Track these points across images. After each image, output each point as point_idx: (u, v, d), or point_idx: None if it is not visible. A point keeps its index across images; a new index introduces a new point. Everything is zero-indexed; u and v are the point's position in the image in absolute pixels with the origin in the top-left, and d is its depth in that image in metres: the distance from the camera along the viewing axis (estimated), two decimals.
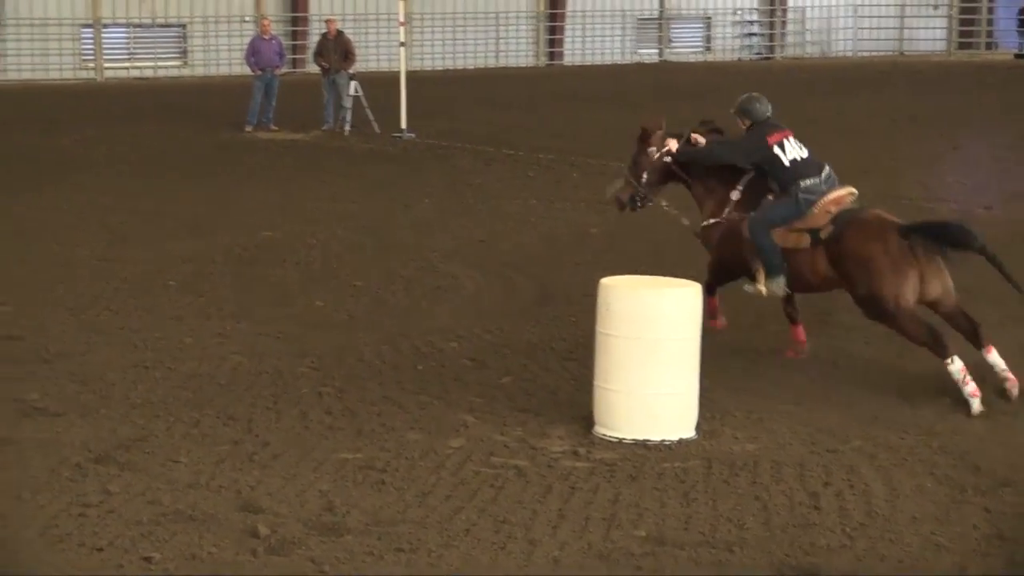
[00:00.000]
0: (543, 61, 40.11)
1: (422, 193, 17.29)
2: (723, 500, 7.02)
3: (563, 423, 8.18)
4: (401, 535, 6.50)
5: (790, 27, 44.52)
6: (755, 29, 43.71)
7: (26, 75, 35.66)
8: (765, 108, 9.51)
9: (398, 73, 23.53)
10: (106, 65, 36.71)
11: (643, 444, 7.79)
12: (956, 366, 8.59)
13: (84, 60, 36.95)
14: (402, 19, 24.26)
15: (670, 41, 42.22)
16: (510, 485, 7.18)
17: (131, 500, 6.86)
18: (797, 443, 7.92)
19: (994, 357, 8.81)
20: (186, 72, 37.41)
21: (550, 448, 7.76)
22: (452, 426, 8.14)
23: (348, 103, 23.62)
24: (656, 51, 41.73)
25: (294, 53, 34.81)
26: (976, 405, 8.49)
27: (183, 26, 38.18)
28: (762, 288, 9.43)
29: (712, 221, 9.62)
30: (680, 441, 7.87)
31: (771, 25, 43.97)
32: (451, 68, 37.29)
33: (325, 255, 13.41)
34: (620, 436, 7.88)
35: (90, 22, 36.94)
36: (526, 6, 40.19)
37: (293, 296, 11.67)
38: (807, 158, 9.33)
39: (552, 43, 40.31)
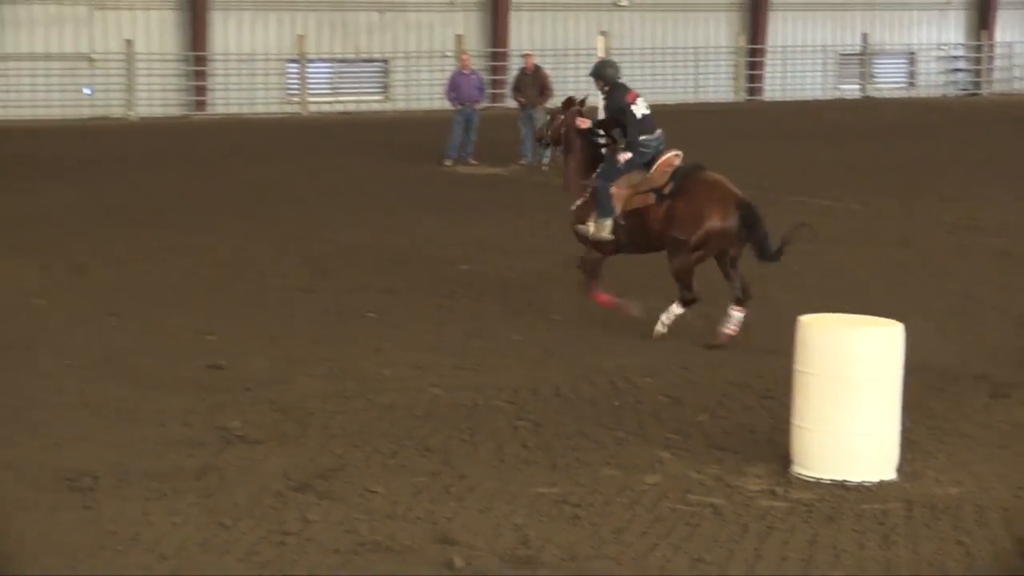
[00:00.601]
0: (742, 96, 39.84)
1: None
2: (924, 544, 6.86)
3: (760, 462, 8.09)
4: (596, 571, 6.50)
5: (997, 63, 43.43)
6: (961, 64, 42.75)
7: (233, 109, 36.76)
8: (616, 72, 11.83)
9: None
10: (310, 100, 37.65)
11: (842, 485, 7.67)
12: (679, 310, 11.19)
13: (289, 95, 37.96)
14: (601, 54, 24.34)
15: (872, 77, 41.54)
16: (706, 523, 7.13)
17: (330, 529, 6.99)
18: (1002, 487, 7.70)
19: (737, 315, 11.03)
20: (387, 107, 38.15)
21: (747, 487, 7.69)
22: (648, 462, 8.11)
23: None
24: (858, 87, 41.11)
25: (494, 88, 35.20)
26: (659, 329, 11.16)
27: (385, 61, 38.96)
28: (591, 227, 11.52)
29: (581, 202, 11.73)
30: (880, 483, 7.72)
31: (977, 60, 42.96)
32: (650, 103, 37.23)
33: (522, 289, 13.51)
34: (818, 476, 7.77)
35: (295, 58, 37.94)
36: (726, 41, 40.01)
37: (490, 329, 11.78)
38: (649, 116, 11.51)
39: (752, 78, 40.03)
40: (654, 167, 11.34)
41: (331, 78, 38.99)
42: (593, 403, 9.43)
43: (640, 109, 11.51)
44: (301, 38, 37.96)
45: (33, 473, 7.73)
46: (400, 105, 38.30)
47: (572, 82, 33.89)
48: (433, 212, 18.87)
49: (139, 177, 22.64)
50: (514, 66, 30.80)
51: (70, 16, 36.46)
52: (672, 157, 11.38)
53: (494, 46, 38.62)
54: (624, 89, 11.69)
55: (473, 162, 24.25)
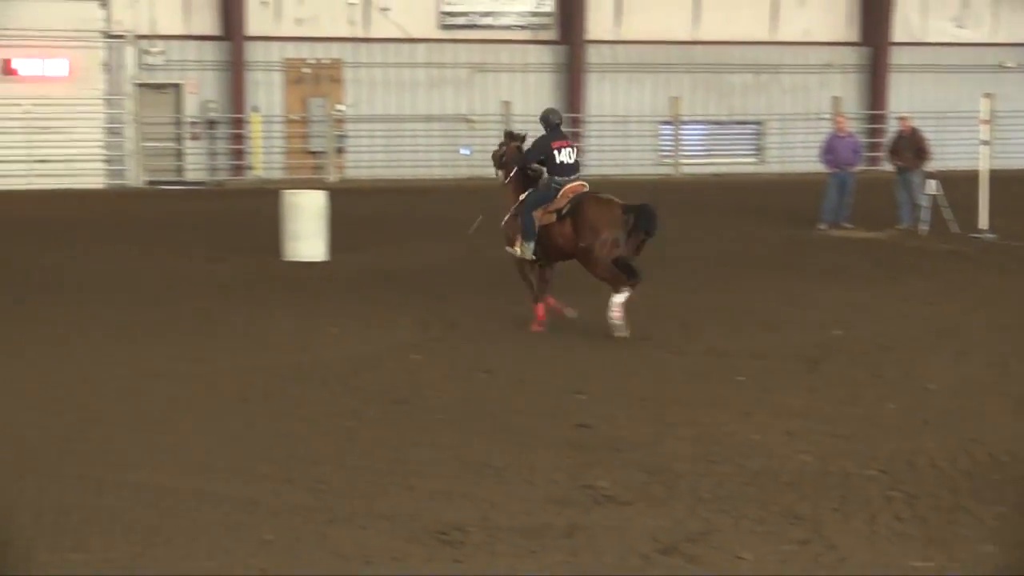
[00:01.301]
0: None
1: (1001, 296, 16.62)
2: None
3: None
4: None
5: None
6: None
7: (606, 170, 37.35)
8: (556, 118, 14.59)
9: (978, 172, 22.84)
10: (683, 161, 37.88)
11: None
12: (620, 297, 13.64)
13: (662, 156, 38.30)
14: (985, 117, 23.50)
15: None
16: None
17: None
18: None
19: (619, 298, 13.65)
20: (761, 169, 37.97)
21: None
22: None
23: (923, 201, 23.14)
24: None
25: (871, 151, 34.53)
26: (615, 319, 13.61)
27: (759, 123, 38.82)
28: (518, 250, 14.22)
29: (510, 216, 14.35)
30: None
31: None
32: None
33: (897, 356, 13.14)
34: None
35: (669, 119, 38.28)
36: None
37: (863, 397, 11.50)
38: (570, 164, 14.23)
39: None
40: (559, 194, 14.15)
41: (704, 140, 39.12)
42: (971, 476, 9.05)
43: (562, 156, 14.28)
44: (675, 100, 38.27)
45: (407, 525, 7.99)
46: (774, 167, 38.06)
47: (952, 145, 32.89)
48: (805, 275, 18.60)
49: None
50: (892, 128, 30.12)
51: (451, 78, 37.92)
52: (577, 186, 14.22)
53: (872, 108, 37.91)
54: (556, 135, 14.45)
55: (848, 226, 23.79)
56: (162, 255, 19.37)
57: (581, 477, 9.00)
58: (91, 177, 34.78)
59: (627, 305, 13.85)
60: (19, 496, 8.34)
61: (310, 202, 20.26)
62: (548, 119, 14.69)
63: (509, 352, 13.29)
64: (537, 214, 14.18)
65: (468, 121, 38.96)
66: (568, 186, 14.21)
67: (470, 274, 18.86)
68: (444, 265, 19.80)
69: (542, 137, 14.49)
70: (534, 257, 14.27)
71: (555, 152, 14.32)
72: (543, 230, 14.15)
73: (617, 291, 13.73)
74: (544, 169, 14.42)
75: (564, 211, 14.02)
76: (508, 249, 14.54)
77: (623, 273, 13.76)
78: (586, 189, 14.32)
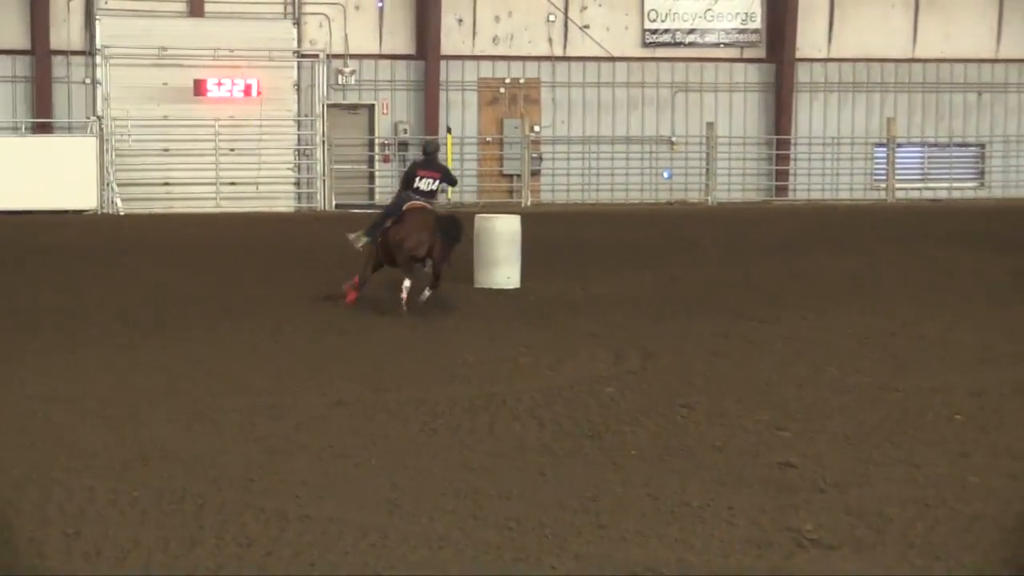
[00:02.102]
0: None
1: None
2: None
3: None
4: None
5: None
6: None
7: (815, 195, 36.94)
8: (431, 148, 18.70)
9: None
10: (897, 186, 37.23)
11: None
12: (407, 283, 17.30)
13: (875, 180, 37.72)
14: None
15: None
16: None
17: None
18: None
19: (407, 284, 17.37)
20: (982, 194, 37.11)
21: None
22: None
23: None
24: None
25: None
26: (402, 298, 17.26)
27: (982, 146, 37.97)
28: (355, 237, 18.19)
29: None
30: None
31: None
32: None
33: None
34: None
35: (883, 141, 37.67)
36: None
37: None
38: (425, 191, 17.87)
39: None
40: (404, 208, 17.74)
41: (921, 163, 38.40)
42: None
43: (420, 184, 17.86)
44: (890, 121, 37.66)
45: (598, 565, 7.93)
46: (996, 192, 37.16)
47: None
48: None
49: (710, 264, 23.14)
50: None
51: (652, 98, 37.93)
52: (418, 204, 17.72)
53: None
54: (424, 165, 18.20)
55: None
56: (343, 281, 19.77)
57: (784, 519, 8.87)
58: (280, 200, 35.68)
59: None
60: (199, 530, 8.54)
61: (504, 227, 20.42)
62: (425, 148, 18.89)
63: (709, 385, 13.19)
64: (388, 223, 17.89)
65: (670, 143, 38.91)
66: (411, 203, 17.75)
67: (668, 302, 18.80)
68: (641, 293, 19.77)
69: (412, 164, 18.67)
70: (361, 249, 18.33)
71: (417, 179, 17.93)
72: (383, 234, 17.88)
73: (407, 277, 17.44)
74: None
75: (387, 223, 17.85)
76: (348, 235, 18.55)
77: (434, 279, 17.72)
78: (425, 208, 17.77)
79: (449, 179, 19.05)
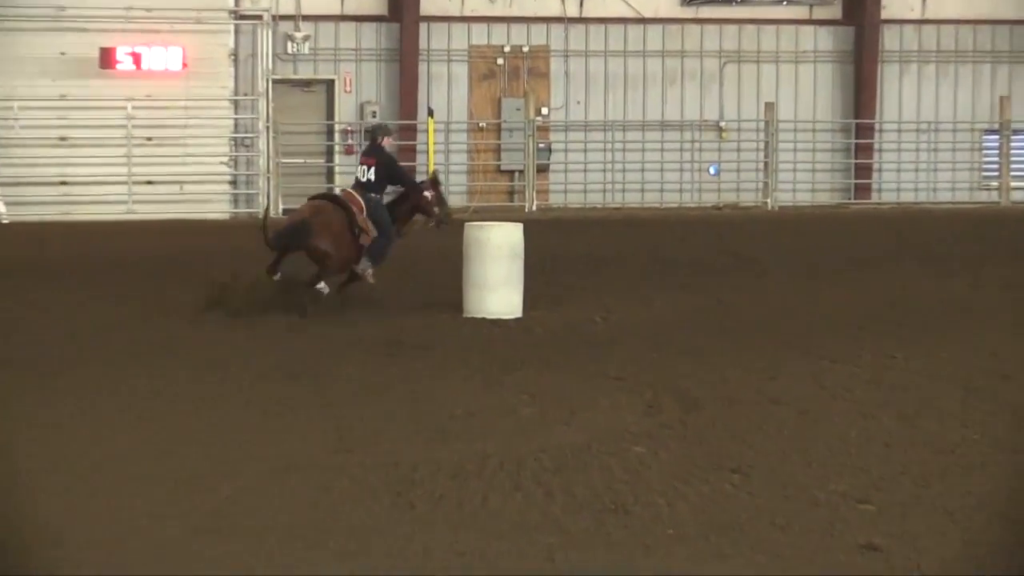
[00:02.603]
0: None
1: None
2: None
3: None
4: None
5: None
6: None
7: (906, 195, 37.03)
8: (378, 133, 21.62)
9: None
10: (1013, 184, 37.29)
11: None
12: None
13: (985, 177, 37.78)
14: None
15: None
16: None
17: None
18: None
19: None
20: None
21: None
22: None
23: None
24: None
25: None
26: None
27: None
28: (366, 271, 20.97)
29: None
30: None
31: None
32: None
33: None
34: None
35: (995, 127, 37.75)
36: None
37: None
38: (364, 182, 20.87)
39: None
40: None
41: None
42: None
43: (360, 173, 21.10)
44: (1004, 100, 37.73)
45: None
46: None
47: None
48: None
49: (769, 286, 23.19)
50: None
51: (695, 71, 37.96)
52: (345, 193, 21.38)
53: None
54: (366, 151, 21.72)
55: None
56: (318, 310, 19.77)
57: None
58: (212, 204, 35.65)
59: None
60: None
61: (501, 238, 20.41)
62: (371, 132, 22.35)
63: (767, 444, 13.16)
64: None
65: (718, 130, 39.01)
66: (313, 199, 21.77)
67: (714, 336, 18.81)
68: (679, 324, 19.77)
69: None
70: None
71: (360, 166, 21.24)
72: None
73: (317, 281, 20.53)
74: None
75: None
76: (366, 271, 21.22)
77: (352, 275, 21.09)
78: (334, 197, 21.78)
79: (393, 173, 21.23)
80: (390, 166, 21.24)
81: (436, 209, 21.42)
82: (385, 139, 21.71)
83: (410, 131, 36.89)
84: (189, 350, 17.84)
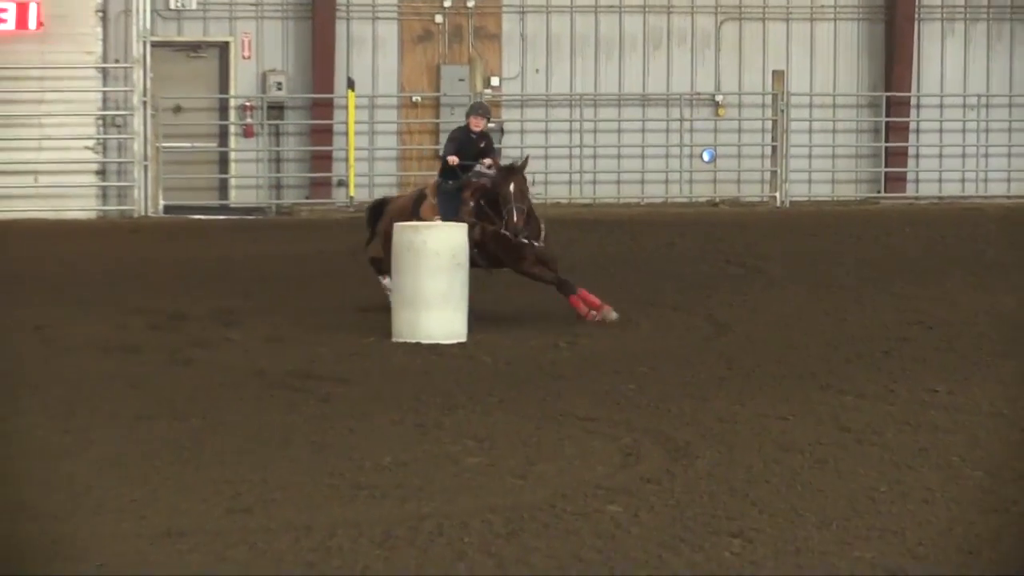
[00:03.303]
0: None
1: None
2: None
3: None
4: None
5: None
6: None
7: (949, 189, 37.23)
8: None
9: None
10: None
11: None
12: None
13: None
14: None
15: None
16: None
17: None
18: None
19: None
20: None
21: None
22: None
23: None
24: None
25: None
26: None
27: None
28: None
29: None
30: None
31: None
32: None
33: None
34: None
35: None
36: None
37: None
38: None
39: None
40: None
41: None
42: None
43: None
44: None
45: None
46: None
47: None
48: None
49: (779, 301, 23.26)
50: None
51: (684, 31, 38.10)
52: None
53: None
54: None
55: None
56: (192, 331, 19.73)
57: None
58: (74, 200, 35.50)
59: None
60: None
61: (440, 242, 20.42)
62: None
63: (775, 501, 13.20)
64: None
65: (714, 106, 39.15)
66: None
67: (709, 365, 18.93)
68: (666, 350, 19.86)
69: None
70: None
71: None
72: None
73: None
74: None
75: None
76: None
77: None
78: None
79: None
80: None
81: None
82: (472, 119, 22.71)
83: (325, 108, 36.90)
84: (50, 383, 17.80)
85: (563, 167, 38.14)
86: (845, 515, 12.82)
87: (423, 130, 38.32)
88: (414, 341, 20.09)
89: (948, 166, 39.16)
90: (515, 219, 21.49)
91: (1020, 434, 15.59)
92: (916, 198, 38.84)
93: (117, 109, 36.42)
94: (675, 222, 34.27)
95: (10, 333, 20.97)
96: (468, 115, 22.73)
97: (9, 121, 35.38)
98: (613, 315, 21.79)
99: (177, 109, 36.93)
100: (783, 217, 36.35)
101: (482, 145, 22.46)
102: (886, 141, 38.87)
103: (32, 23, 35.34)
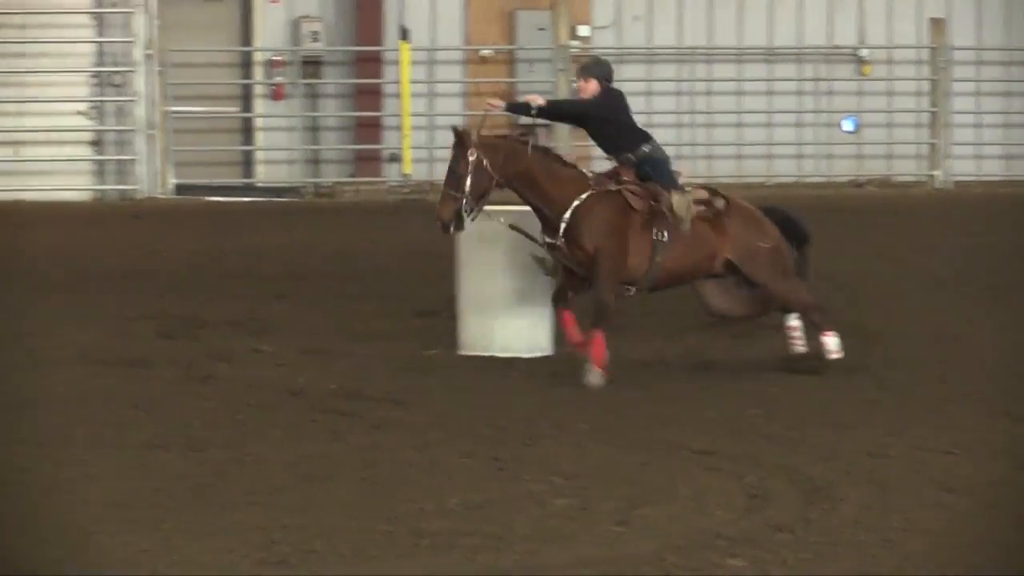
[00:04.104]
0: None
1: None
2: None
3: None
4: None
5: None
6: None
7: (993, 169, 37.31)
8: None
9: None
10: None
11: None
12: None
13: None
14: None
15: None
16: None
17: None
18: None
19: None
20: None
21: None
22: None
23: None
24: None
25: None
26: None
27: None
28: None
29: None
30: None
31: None
32: None
33: None
34: None
35: None
36: None
37: None
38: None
39: None
40: None
41: None
42: None
43: None
44: None
45: None
46: None
47: None
48: None
49: (951, 307, 23.37)
50: None
51: None
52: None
53: None
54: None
55: None
56: (211, 341, 19.92)
57: None
58: (65, 178, 35.73)
59: None
60: None
61: (514, 231, 20.38)
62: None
63: (937, 555, 13.24)
64: None
65: (858, 61, 39.24)
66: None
67: (856, 385, 18.99)
68: (798, 364, 19.85)
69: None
70: None
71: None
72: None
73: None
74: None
75: None
76: None
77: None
78: None
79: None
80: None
81: None
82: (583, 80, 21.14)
83: (372, 64, 37.01)
84: (37, 405, 17.95)
85: (669, 138, 38.18)
86: None
87: (495, 92, 38.40)
88: (486, 354, 20.14)
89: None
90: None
91: None
92: None
93: (115, 65, 36.62)
94: (810, 206, 34.29)
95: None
96: (579, 76, 21.16)
97: None
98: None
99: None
100: (944, 201, 36.39)
101: None
102: None
103: None
